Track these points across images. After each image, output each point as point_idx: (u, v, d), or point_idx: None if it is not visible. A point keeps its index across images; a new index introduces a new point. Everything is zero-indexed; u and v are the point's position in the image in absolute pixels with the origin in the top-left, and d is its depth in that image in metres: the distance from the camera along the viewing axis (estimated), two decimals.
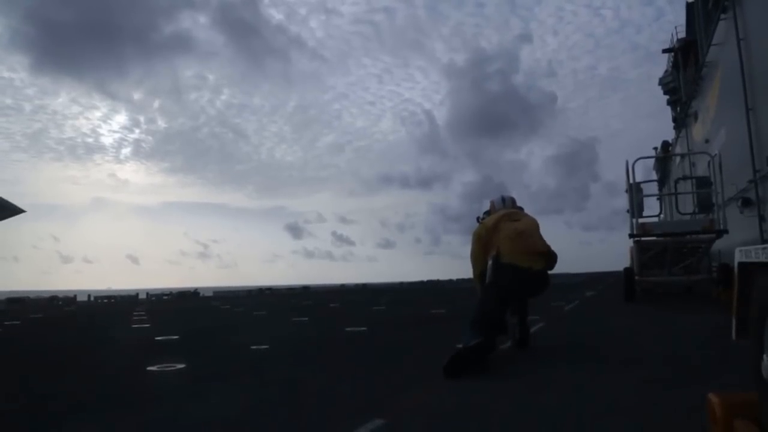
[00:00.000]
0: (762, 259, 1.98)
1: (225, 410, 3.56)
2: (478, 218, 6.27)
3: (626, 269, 13.48)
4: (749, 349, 2.27)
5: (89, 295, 42.17)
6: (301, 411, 3.47)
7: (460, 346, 4.70)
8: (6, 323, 14.10)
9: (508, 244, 5.51)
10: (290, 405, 3.68)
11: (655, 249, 12.44)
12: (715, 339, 4.72)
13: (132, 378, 5.08)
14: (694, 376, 3.95)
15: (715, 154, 12.21)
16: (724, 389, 2.52)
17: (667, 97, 33.09)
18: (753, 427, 2.15)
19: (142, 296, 42.74)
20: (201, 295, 45.33)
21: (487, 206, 6.43)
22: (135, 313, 17.40)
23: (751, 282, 2.25)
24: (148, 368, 5.37)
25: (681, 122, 27.82)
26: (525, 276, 5.42)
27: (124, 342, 8.97)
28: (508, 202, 6.27)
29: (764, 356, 2.05)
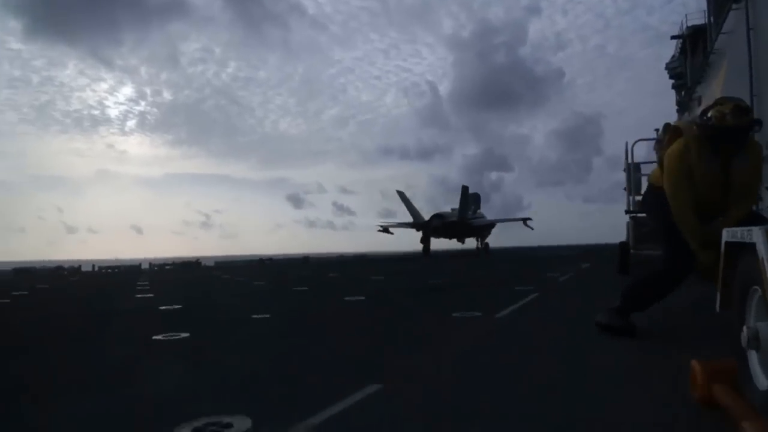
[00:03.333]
0: (746, 239, 2.10)
1: (228, 376, 3.71)
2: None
3: (621, 243, 13.78)
4: (731, 320, 2.40)
5: (93, 266, 42.51)
6: (300, 377, 3.62)
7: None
8: (15, 293, 14.26)
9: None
10: (290, 371, 3.82)
11: (650, 225, 12.73)
12: (699, 310, 4.88)
13: (138, 346, 5.23)
14: (679, 345, 4.09)
15: None
16: (706, 357, 2.66)
17: (672, 81, 33.10)
18: (730, 392, 2.29)
19: (145, 266, 43.07)
20: (203, 264, 45.65)
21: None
22: (138, 283, 17.60)
23: (736, 260, 2.37)
24: (154, 337, 5.52)
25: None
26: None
27: (129, 311, 9.13)
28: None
29: (744, 327, 2.18)
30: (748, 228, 2.09)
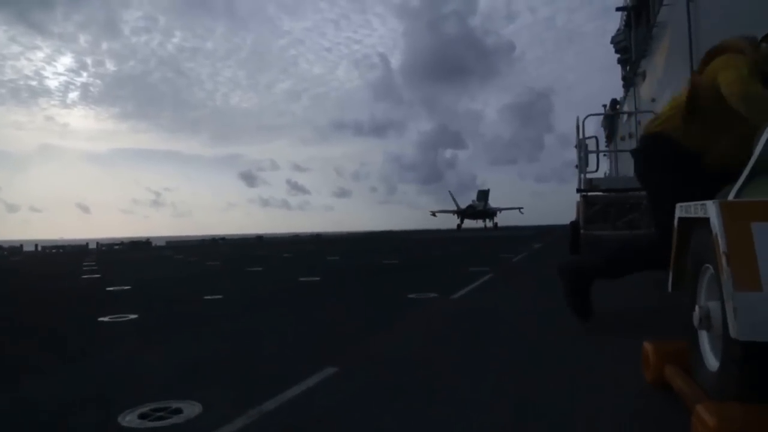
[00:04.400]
0: (700, 214, 2.10)
1: (178, 360, 3.58)
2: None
3: (572, 223, 14.01)
4: (683, 300, 2.43)
5: (36, 245, 40.66)
6: (253, 360, 3.53)
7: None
8: None
9: None
10: (243, 354, 3.72)
11: (600, 204, 12.95)
12: (650, 291, 5.00)
13: (83, 329, 5.01)
14: (630, 326, 4.19)
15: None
16: (657, 338, 2.71)
17: (618, 55, 33.49)
18: (681, 373, 2.33)
19: (93, 246, 41.54)
20: (153, 244, 44.42)
21: None
22: (85, 264, 16.96)
23: (689, 237, 2.39)
24: (100, 318, 5.30)
25: (630, 81, 28.31)
26: None
27: (73, 292, 8.78)
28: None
29: (696, 307, 2.21)
30: (702, 202, 2.09)
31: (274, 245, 34.55)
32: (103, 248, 39.47)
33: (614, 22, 27.11)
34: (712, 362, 2.14)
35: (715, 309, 2.08)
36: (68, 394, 2.89)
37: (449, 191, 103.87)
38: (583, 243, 13.67)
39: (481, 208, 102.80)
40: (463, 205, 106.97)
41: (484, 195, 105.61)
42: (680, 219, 2.44)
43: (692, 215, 2.23)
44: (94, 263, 17.31)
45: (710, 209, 1.96)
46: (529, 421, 2.27)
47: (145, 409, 2.51)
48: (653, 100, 20.06)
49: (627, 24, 28.92)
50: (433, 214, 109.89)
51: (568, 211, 15.96)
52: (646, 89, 22.44)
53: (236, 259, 17.91)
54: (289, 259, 17.16)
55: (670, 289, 2.58)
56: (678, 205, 2.47)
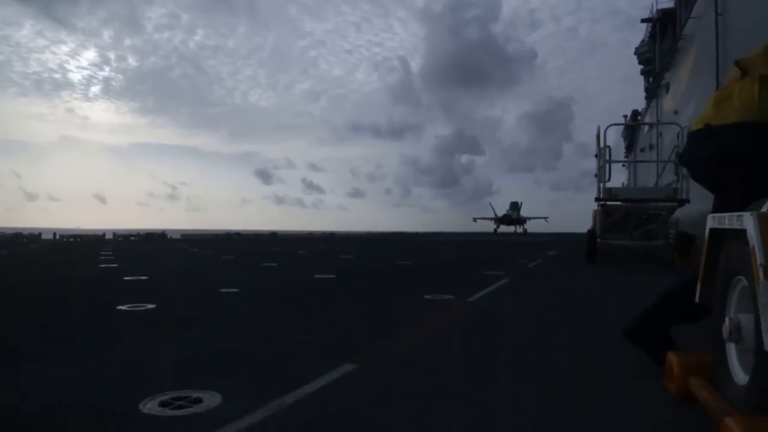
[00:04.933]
0: (735, 226, 2.06)
1: (197, 350, 3.60)
2: None
3: (589, 231, 13.85)
4: (712, 312, 2.39)
5: (54, 234, 41.21)
6: (273, 354, 3.53)
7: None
8: None
9: None
10: (261, 347, 3.74)
11: (618, 213, 12.81)
12: None
13: (102, 317, 5.06)
14: None
15: (686, 126, 12.45)
16: (682, 349, 2.67)
17: (641, 67, 33.13)
18: (707, 385, 2.29)
19: (109, 236, 42.01)
20: (169, 237, 44.82)
21: None
22: (102, 253, 17.16)
23: (720, 248, 2.35)
24: (118, 307, 5.35)
25: (652, 93, 28.01)
26: None
27: (92, 280, 8.88)
28: None
29: (726, 319, 2.17)
30: (738, 213, 2.06)
31: (288, 242, 34.68)
32: (120, 239, 39.90)
33: (638, 33, 26.88)
34: (741, 375, 2.11)
35: (746, 322, 2.04)
36: (89, 380, 2.91)
37: (489, 203, 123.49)
38: (600, 252, 13.56)
39: (514, 216, 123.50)
40: (500, 214, 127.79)
41: (516, 206, 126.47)
42: (711, 230, 2.40)
43: (726, 226, 2.20)
44: (111, 253, 17.51)
45: (747, 221, 1.93)
46: (551, 429, 2.25)
47: (165, 397, 2.53)
48: (676, 112, 19.89)
49: (652, 36, 28.63)
50: (475, 220, 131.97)
51: (585, 219, 15.84)
52: (669, 101, 22.25)
53: (251, 255, 18.00)
54: (303, 256, 17.21)
55: (697, 299, 2.54)
56: (710, 216, 2.43)
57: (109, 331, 4.36)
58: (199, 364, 3.25)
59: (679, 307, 2.98)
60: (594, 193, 12.70)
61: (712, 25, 13.84)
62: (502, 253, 19.46)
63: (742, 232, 1.95)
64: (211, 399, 2.51)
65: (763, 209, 2.35)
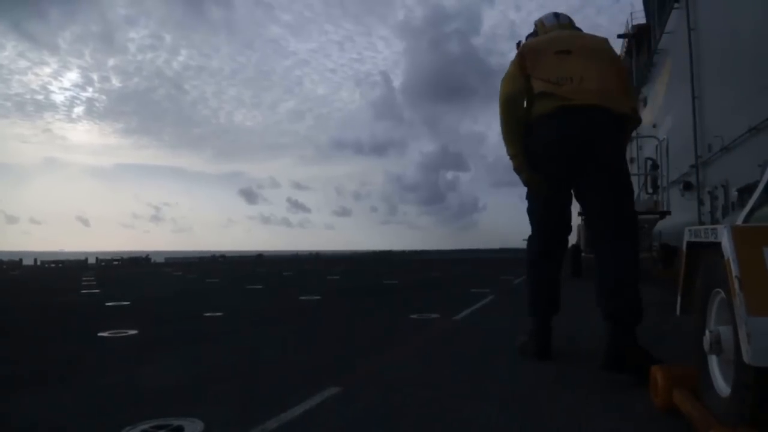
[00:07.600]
0: (710, 239, 2.09)
1: (178, 376, 3.53)
2: (518, 44, 4.04)
3: (573, 246, 13.96)
4: (692, 324, 2.41)
5: (36, 259, 40.59)
6: (256, 379, 3.48)
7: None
8: None
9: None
10: (245, 372, 3.68)
11: None
12: (654, 315, 4.96)
13: (83, 343, 4.97)
14: None
15: (663, 139, 12.71)
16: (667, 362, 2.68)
17: None
18: (691, 397, 2.30)
19: (92, 261, 41.51)
20: (152, 260, 44.33)
21: None
22: (84, 279, 16.91)
23: (698, 261, 2.37)
24: (99, 333, 5.26)
25: None
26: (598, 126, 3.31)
27: (73, 307, 8.72)
28: (563, 20, 4.07)
29: (707, 331, 2.18)
30: (713, 227, 2.08)
31: (274, 264, 34.46)
32: (102, 264, 39.44)
33: (615, 48, 27.49)
34: (723, 387, 2.11)
35: (726, 334, 2.05)
36: (67, 409, 2.85)
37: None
38: (584, 266, 13.67)
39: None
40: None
41: None
42: (689, 243, 2.43)
43: (702, 239, 2.22)
44: (93, 279, 17.25)
45: (721, 234, 1.96)
46: None
47: (146, 426, 2.47)
48: (654, 125, 20.24)
49: (628, 51, 29.22)
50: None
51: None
52: (647, 115, 22.63)
53: (235, 277, 17.85)
54: (289, 278, 17.10)
55: (678, 312, 2.56)
56: (687, 228, 2.46)
57: (89, 358, 4.27)
58: (180, 390, 3.19)
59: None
60: (578, 208, 12.86)
61: (685, 39, 14.16)
62: (488, 270, 19.50)
63: (717, 245, 1.97)
64: (192, 427, 2.46)
65: (738, 221, 2.38)
